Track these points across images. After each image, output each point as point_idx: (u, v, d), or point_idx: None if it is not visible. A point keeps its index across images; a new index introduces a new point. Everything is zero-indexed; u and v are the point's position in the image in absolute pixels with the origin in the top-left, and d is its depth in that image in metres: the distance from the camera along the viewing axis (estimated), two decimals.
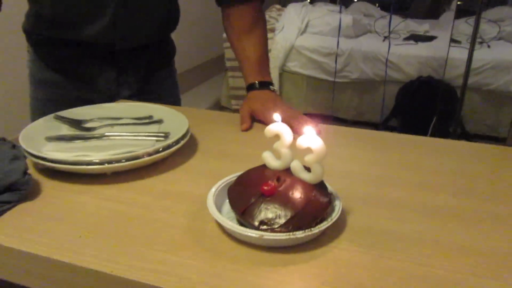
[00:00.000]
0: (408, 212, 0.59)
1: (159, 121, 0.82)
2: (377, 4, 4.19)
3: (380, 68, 2.95)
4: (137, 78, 1.04)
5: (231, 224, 0.51)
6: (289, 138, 0.54)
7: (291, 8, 3.35)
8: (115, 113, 0.84)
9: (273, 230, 0.49)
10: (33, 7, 0.97)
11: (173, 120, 0.80)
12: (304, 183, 0.53)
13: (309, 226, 0.49)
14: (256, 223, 0.50)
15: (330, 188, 0.56)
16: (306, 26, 3.24)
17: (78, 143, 0.73)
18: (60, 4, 0.91)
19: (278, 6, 3.58)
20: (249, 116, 0.88)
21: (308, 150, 0.51)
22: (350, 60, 2.99)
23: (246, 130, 0.86)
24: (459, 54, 2.72)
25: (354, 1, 4.14)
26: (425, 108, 2.72)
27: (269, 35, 2.61)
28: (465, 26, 3.10)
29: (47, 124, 0.78)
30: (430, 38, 3.20)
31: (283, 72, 3.14)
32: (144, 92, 1.05)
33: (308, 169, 0.53)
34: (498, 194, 0.64)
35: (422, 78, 2.80)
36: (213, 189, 0.57)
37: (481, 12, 2.22)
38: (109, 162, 0.64)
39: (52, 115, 0.80)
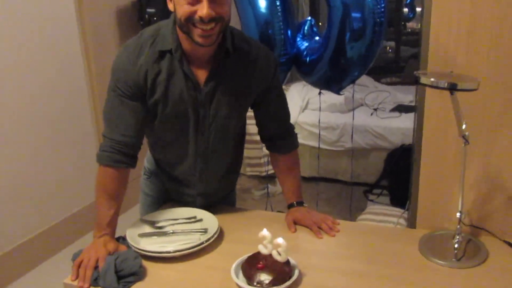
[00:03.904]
0: (343, 276, 1.12)
1: (200, 220, 1.38)
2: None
3: (369, 138, 3.51)
4: (206, 202, 1.51)
5: (243, 284, 1.05)
6: (270, 238, 1.09)
7: (294, 88, 3.99)
8: (173, 215, 1.41)
9: (262, 287, 1.02)
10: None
11: (209, 219, 1.36)
12: (278, 262, 1.06)
13: (280, 284, 1.03)
14: (255, 283, 1.03)
15: (293, 262, 1.10)
16: (307, 103, 3.85)
17: (156, 238, 1.29)
18: (160, 153, 1.44)
19: (284, 87, 4.21)
20: (293, 222, 1.37)
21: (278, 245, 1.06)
22: (344, 132, 3.56)
23: (294, 232, 1.34)
24: None
25: None
26: (409, 172, 3.23)
27: None
28: None
29: (138, 225, 1.34)
30: (413, 109, 3.76)
31: None
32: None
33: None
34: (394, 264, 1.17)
35: (404, 146, 3.33)
36: (234, 265, 1.11)
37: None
38: (175, 251, 1.20)
39: (139, 218, 1.37)
